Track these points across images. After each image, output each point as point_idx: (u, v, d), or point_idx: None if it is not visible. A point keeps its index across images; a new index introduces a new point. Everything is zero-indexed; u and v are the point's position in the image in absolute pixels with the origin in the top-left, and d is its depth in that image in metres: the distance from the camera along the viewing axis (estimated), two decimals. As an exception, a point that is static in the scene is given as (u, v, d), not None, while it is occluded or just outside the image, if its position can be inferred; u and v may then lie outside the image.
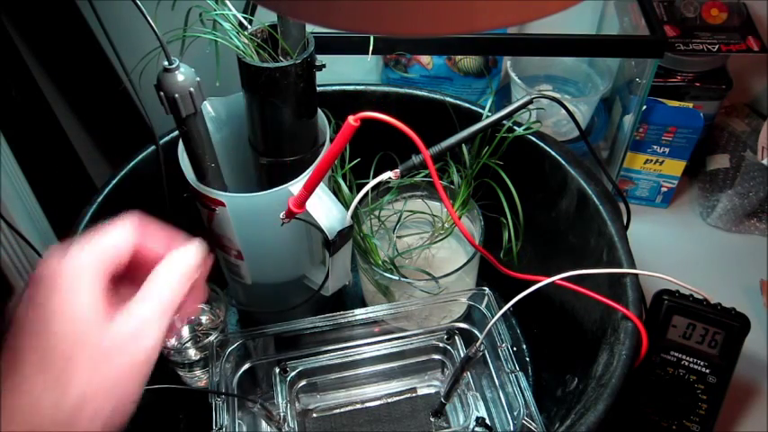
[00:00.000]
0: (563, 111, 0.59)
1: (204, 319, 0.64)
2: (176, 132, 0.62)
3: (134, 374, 0.33)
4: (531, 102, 0.56)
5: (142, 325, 0.34)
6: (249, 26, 0.52)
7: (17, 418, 0.31)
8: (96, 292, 0.34)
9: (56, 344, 0.32)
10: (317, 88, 0.54)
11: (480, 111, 0.63)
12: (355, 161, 0.62)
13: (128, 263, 0.36)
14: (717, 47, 0.78)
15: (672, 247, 0.82)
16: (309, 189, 0.46)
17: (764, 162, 0.75)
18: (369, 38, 0.59)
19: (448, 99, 0.65)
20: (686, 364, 0.58)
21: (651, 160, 0.83)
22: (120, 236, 0.36)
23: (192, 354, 0.61)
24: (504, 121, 0.59)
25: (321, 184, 0.47)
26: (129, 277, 0.37)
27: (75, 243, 0.35)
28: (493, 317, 0.55)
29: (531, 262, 0.64)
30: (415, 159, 0.50)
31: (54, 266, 0.34)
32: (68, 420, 0.31)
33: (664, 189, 0.85)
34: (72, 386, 0.32)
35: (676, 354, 0.58)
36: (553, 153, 0.61)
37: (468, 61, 0.83)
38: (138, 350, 0.34)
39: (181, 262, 0.37)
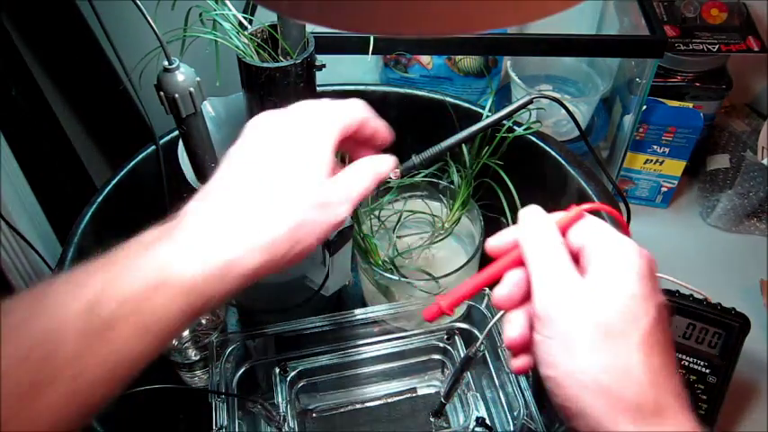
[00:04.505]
0: (563, 111, 0.59)
1: (204, 319, 0.64)
2: (176, 132, 0.62)
3: (323, 232, 0.38)
4: (531, 102, 0.56)
5: (343, 198, 0.39)
6: (249, 26, 0.52)
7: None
8: (331, 149, 0.39)
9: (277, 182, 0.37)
10: (317, 88, 0.54)
11: (480, 111, 0.63)
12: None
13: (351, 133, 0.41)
14: (717, 47, 0.78)
15: (672, 247, 0.82)
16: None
17: (764, 162, 0.75)
18: (369, 38, 0.59)
19: (448, 99, 0.65)
20: (686, 364, 0.58)
21: (651, 160, 0.83)
22: (356, 107, 0.42)
23: (192, 354, 0.61)
24: (504, 121, 0.59)
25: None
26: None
27: (310, 102, 0.41)
28: (493, 317, 0.55)
29: (531, 262, 0.64)
30: (415, 159, 0.50)
31: (295, 116, 0.39)
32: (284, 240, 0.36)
33: (664, 189, 0.85)
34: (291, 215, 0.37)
35: (676, 354, 0.58)
36: (553, 153, 0.61)
37: (468, 61, 0.83)
38: (334, 215, 0.39)
39: (380, 167, 0.42)
